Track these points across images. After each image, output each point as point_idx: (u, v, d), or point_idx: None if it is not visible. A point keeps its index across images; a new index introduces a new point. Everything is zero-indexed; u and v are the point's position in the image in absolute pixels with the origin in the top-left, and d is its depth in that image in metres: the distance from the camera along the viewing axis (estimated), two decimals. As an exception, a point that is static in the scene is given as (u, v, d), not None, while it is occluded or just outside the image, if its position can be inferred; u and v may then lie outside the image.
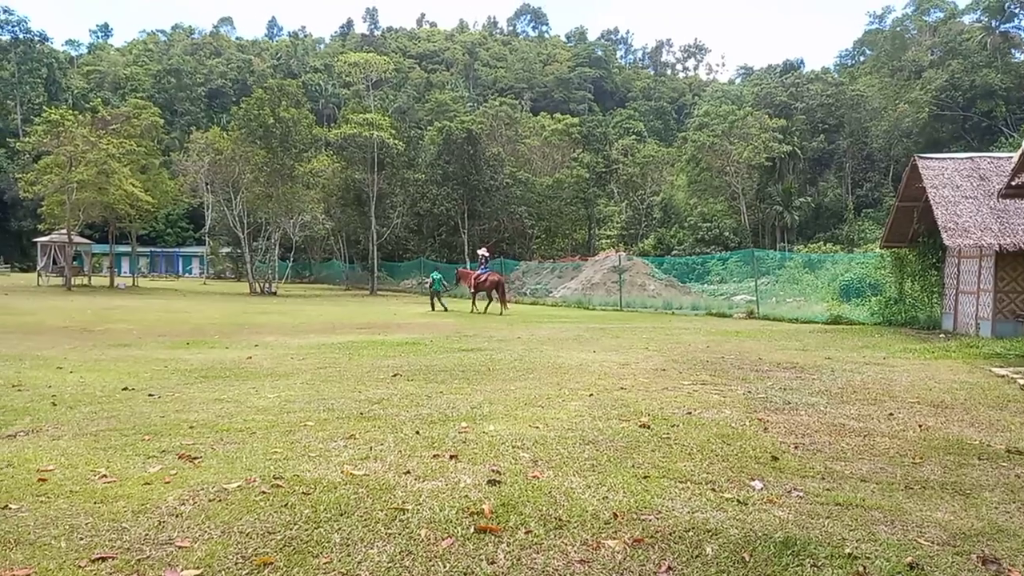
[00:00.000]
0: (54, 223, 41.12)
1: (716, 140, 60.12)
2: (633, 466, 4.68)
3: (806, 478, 4.52)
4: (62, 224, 39.37)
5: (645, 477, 4.41)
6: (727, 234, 54.80)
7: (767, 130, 59.28)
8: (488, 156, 51.47)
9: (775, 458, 4.97)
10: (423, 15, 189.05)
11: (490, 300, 25.94)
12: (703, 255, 44.50)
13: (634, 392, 7.68)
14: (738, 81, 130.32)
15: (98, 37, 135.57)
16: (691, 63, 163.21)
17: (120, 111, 46.64)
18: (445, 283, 29.50)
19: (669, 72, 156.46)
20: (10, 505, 3.68)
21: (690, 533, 3.44)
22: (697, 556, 3.19)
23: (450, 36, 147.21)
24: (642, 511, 3.76)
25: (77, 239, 41.91)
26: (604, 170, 60.92)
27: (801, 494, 4.15)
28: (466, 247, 49.86)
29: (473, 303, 26.33)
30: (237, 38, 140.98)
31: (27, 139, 41.96)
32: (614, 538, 3.37)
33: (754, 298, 26.14)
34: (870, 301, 21.18)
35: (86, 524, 3.43)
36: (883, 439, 5.69)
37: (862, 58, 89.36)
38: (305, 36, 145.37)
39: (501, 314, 24.26)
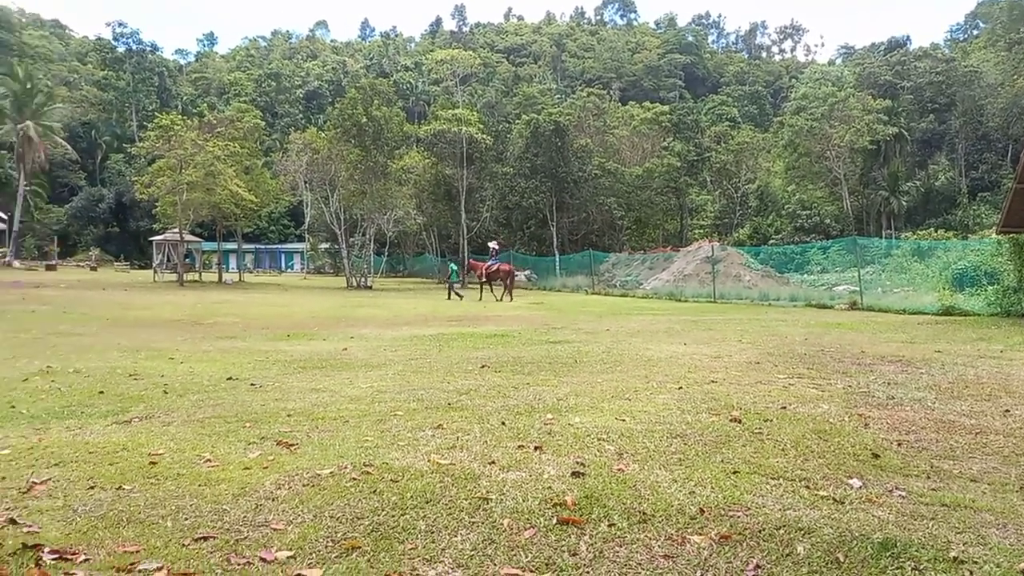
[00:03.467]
0: (167, 223, 43.88)
1: (815, 124, 57.70)
2: (722, 461, 4.55)
3: (909, 477, 4.28)
4: (174, 223, 41.89)
5: (735, 472, 4.28)
6: (828, 221, 52.53)
7: (871, 111, 56.35)
8: (576, 148, 51.12)
9: (876, 455, 4.73)
10: (510, 9, 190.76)
11: (505, 288, 28.61)
12: (802, 244, 42.82)
13: (725, 385, 7.47)
14: (839, 62, 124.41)
15: (204, 46, 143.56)
16: (787, 45, 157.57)
17: (224, 115, 49.24)
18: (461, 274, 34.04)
19: (764, 55, 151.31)
20: (124, 486, 3.94)
21: (781, 531, 3.32)
22: (787, 555, 3.07)
23: (537, 29, 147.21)
24: (730, 507, 3.65)
25: (188, 237, 44.45)
26: (696, 158, 59.28)
27: (903, 494, 3.93)
28: (555, 240, 49.79)
29: (481, 291, 29.61)
30: (332, 40, 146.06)
31: (141, 144, 44.74)
32: (700, 534, 3.29)
33: (857, 288, 24.98)
34: (986, 290, 19.83)
35: (191, 505, 3.62)
36: (997, 437, 5.32)
37: (975, 32, 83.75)
38: (396, 36, 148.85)
39: (500, 300, 27.35)
